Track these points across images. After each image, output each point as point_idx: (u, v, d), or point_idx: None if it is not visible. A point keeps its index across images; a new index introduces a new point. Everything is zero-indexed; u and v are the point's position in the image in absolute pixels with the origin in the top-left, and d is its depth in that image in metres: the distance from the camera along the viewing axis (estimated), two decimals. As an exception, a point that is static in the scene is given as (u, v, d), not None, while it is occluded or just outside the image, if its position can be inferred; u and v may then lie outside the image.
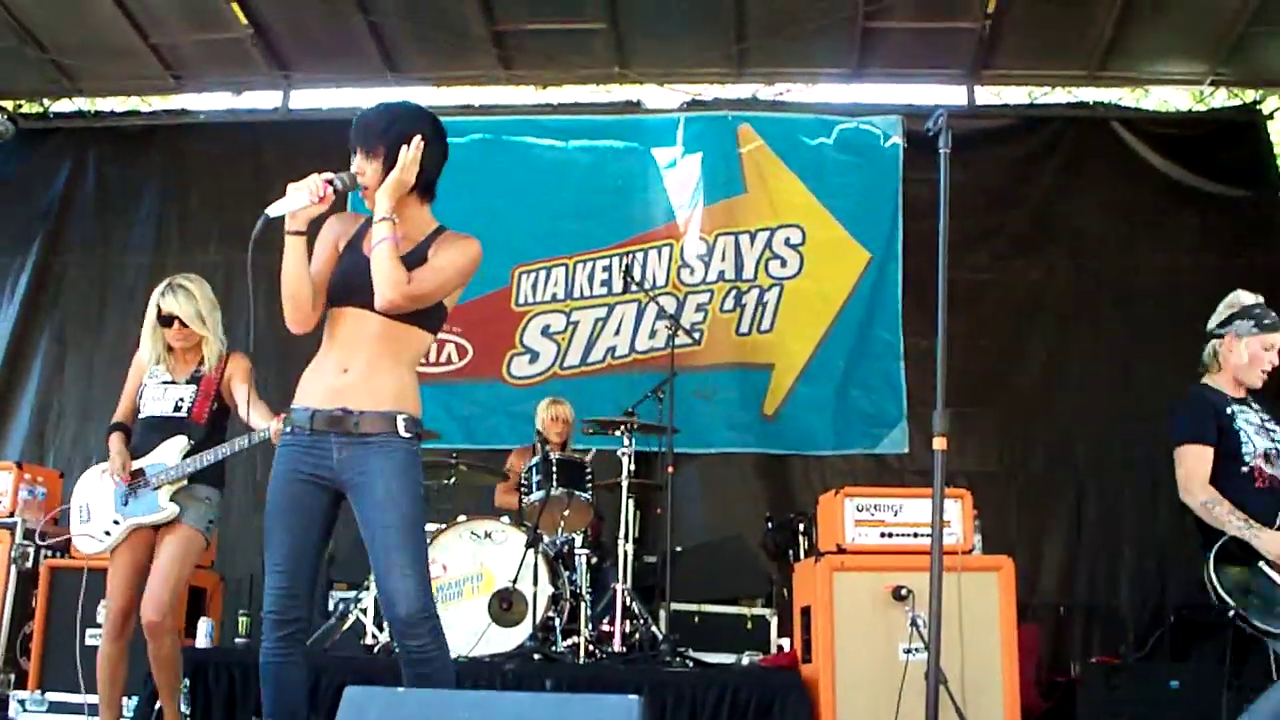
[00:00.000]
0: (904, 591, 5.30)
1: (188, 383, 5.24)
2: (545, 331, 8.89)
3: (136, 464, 5.12)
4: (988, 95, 9.54)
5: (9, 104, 9.75)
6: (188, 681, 5.54)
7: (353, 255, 3.82)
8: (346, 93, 9.68)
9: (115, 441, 5.19)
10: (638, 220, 9.04)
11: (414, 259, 3.76)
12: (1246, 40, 8.44)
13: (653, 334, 8.65)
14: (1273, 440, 4.79)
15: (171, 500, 5.06)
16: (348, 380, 3.72)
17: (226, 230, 9.17)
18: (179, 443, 5.13)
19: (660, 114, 9.34)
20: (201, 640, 6.07)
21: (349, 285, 3.75)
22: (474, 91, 9.72)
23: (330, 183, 3.65)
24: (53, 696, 6.03)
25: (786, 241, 8.91)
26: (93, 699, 5.80)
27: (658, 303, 8.13)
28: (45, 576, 6.27)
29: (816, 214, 8.92)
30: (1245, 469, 4.75)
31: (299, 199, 3.63)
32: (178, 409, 5.19)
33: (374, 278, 3.63)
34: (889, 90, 9.63)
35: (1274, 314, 4.91)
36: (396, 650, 3.73)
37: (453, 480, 6.96)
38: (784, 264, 8.90)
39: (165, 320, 5.20)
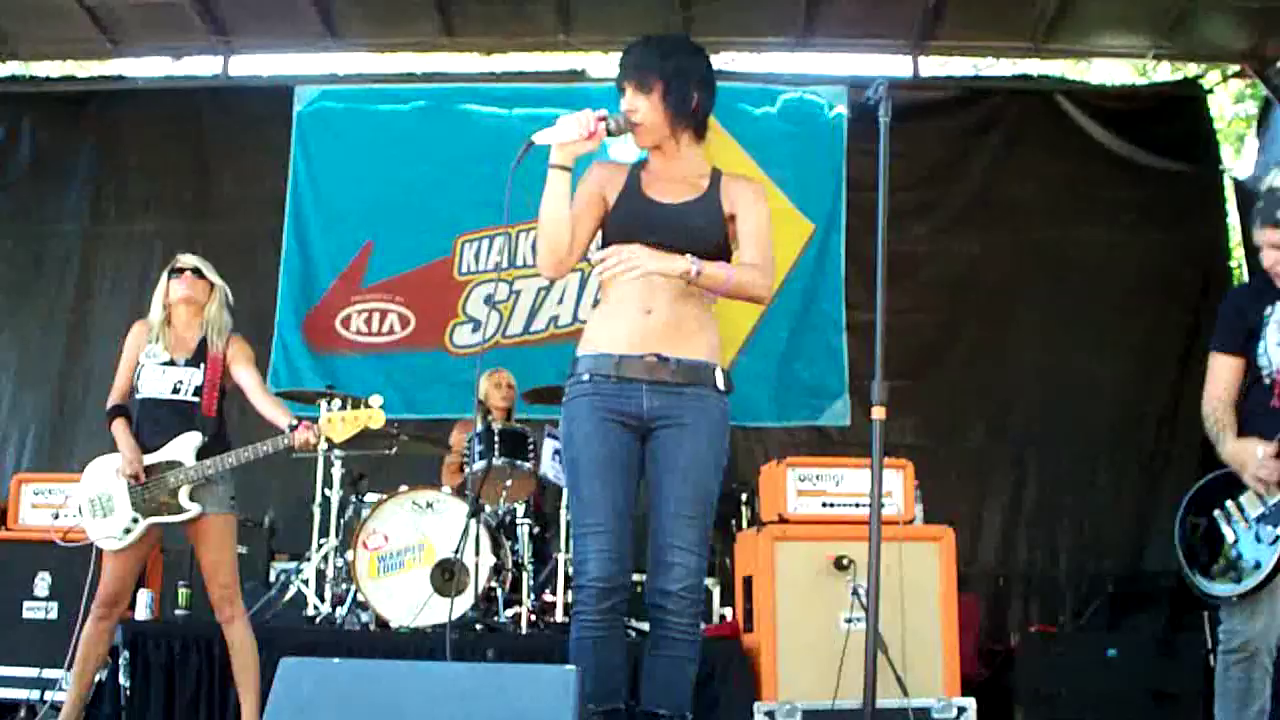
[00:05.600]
0: (845, 561, 5.32)
1: (188, 364, 5.13)
2: (488, 300, 8.80)
3: (148, 459, 5.02)
4: (933, 66, 9.52)
5: (-61, 67, 9.50)
6: (127, 654, 5.50)
7: (635, 200, 3.64)
8: (287, 59, 9.56)
9: (121, 434, 5.05)
10: (582, 190, 8.94)
11: (703, 205, 3.62)
12: (1189, 14, 8.47)
13: (595, 303, 8.57)
14: None
15: (191, 500, 5.00)
16: (654, 322, 3.53)
17: (164, 199, 9.05)
18: (193, 440, 5.04)
19: (604, 83, 9.22)
20: (141, 612, 5.98)
21: (637, 228, 3.55)
22: (416, 58, 9.60)
23: (603, 120, 3.49)
24: (-11, 670, 5.92)
25: (730, 212, 8.86)
26: (30, 672, 5.75)
27: (600, 273, 8.08)
28: (-22, 549, 6.12)
29: (760, 184, 8.88)
30: (1266, 382, 4.14)
31: (568, 131, 3.45)
32: (176, 390, 5.08)
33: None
34: (834, 60, 9.63)
35: None
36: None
37: (394, 450, 6.93)
38: (727, 235, 8.85)
39: (177, 271, 5.17)
